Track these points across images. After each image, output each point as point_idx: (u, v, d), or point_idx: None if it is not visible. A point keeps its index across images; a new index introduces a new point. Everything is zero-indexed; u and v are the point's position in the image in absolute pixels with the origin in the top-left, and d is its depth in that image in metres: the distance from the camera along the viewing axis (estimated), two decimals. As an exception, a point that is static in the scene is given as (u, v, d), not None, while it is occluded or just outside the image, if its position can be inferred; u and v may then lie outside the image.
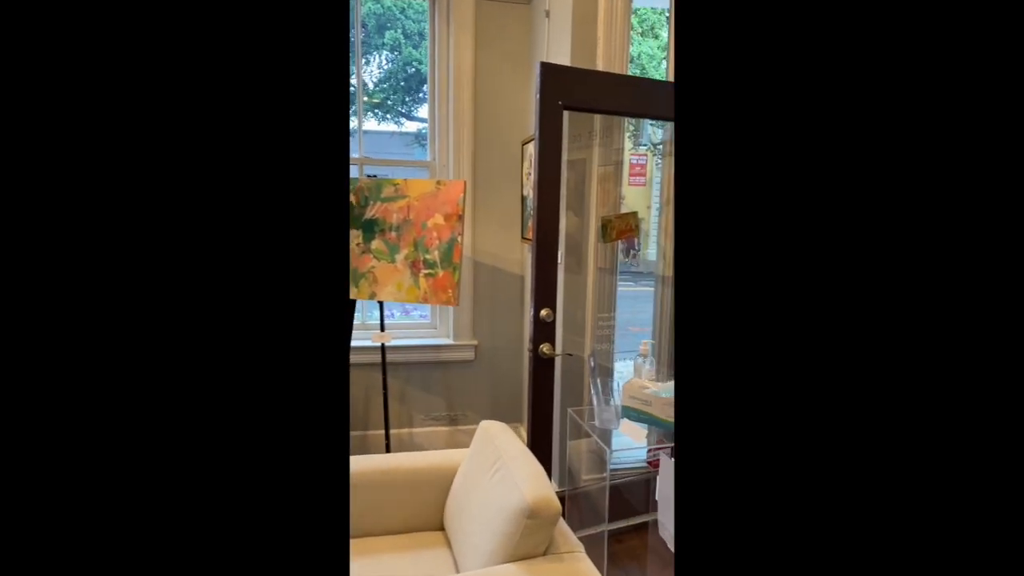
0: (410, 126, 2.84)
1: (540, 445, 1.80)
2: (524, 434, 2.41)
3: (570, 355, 1.94)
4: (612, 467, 2.04)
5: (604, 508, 1.45)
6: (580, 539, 1.78)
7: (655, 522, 1.50)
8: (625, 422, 1.36)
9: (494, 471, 1.23)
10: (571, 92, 1.73)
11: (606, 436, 1.64)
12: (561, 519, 1.16)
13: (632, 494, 2.06)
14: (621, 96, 1.82)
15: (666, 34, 2.11)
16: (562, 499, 1.92)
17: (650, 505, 2.01)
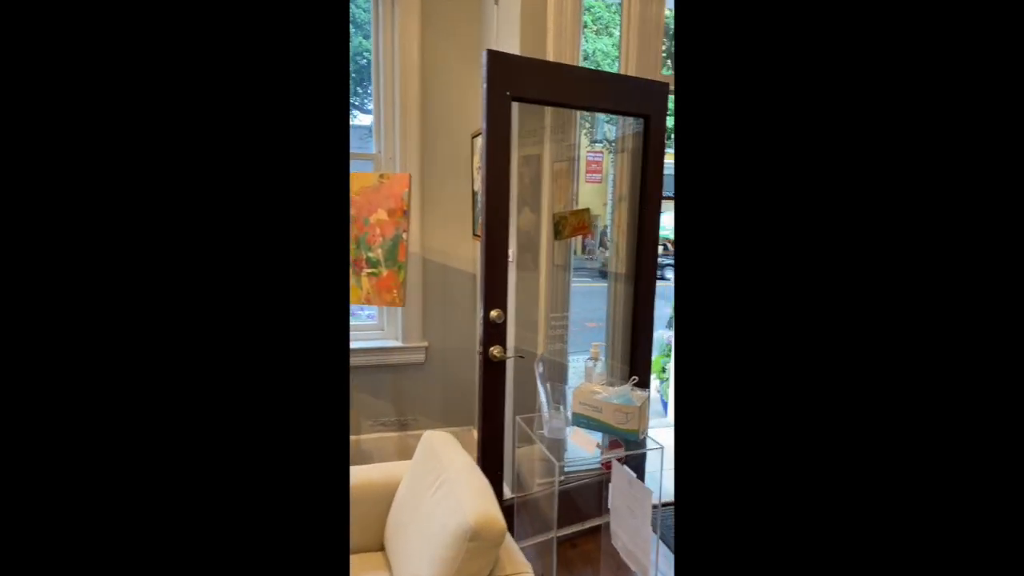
0: (364, 119, 2.70)
1: (491, 451, 1.73)
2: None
3: (521, 357, 1.87)
4: (566, 470, 1.99)
5: (554, 516, 1.38)
6: (532, 547, 1.71)
7: (608, 525, 1.45)
8: (576, 430, 1.30)
9: (436, 487, 1.14)
10: (520, 82, 1.65)
11: (556, 444, 1.58)
12: (508, 536, 1.09)
13: (586, 497, 2.02)
14: (573, 88, 1.76)
15: (619, 32, 2.07)
16: (510, 510, 1.86)
17: (602, 508, 1.97)
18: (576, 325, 2.14)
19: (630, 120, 2.02)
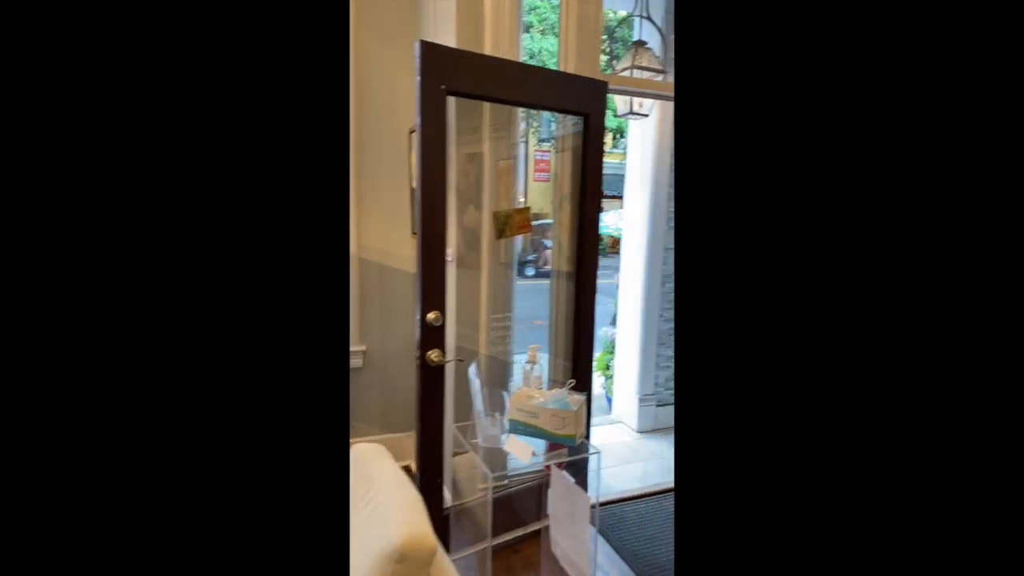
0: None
1: (430, 460, 1.66)
2: (418, 444, 2.25)
3: (461, 360, 1.81)
4: (509, 474, 1.96)
5: (493, 524, 1.34)
6: (474, 555, 1.66)
7: (547, 528, 1.43)
8: (512, 438, 1.26)
9: (364, 504, 1.07)
10: (456, 76, 1.59)
11: (492, 453, 1.54)
12: (441, 552, 1.03)
13: (529, 501, 1.99)
14: (511, 84, 1.72)
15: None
16: (445, 521, 1.80)
17: (543, 512, 1.95)
18: (525, 323, 2.10)
19: (570, 119, 2.01)
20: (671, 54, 2.81)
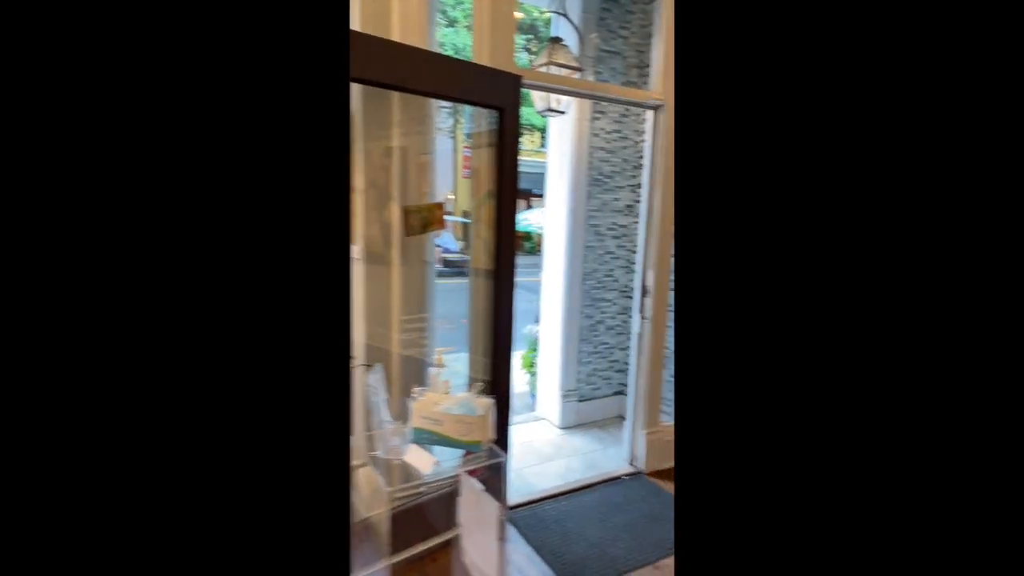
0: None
1: (336, 472, 1.55)
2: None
3: (368, 366, 1.71)
4: (426, 480, 1.88)
5: (398, 538, 1.26)
6: (379, 572, 1.56)
7: (458, 536, 1.37)
8: (412, 449, 1.19)
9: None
10: (358, 62, 1.49)
11: (394, 464, 1.45)
12: None
13: (441, 510, 1.92)
14: (420, 73, 1.64)
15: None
16: (367, 530, 1.69)
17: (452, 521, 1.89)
18: (453, 323, 2.03)
19: (486, 114, 1.95)
20: (589, 52, 2.84)
